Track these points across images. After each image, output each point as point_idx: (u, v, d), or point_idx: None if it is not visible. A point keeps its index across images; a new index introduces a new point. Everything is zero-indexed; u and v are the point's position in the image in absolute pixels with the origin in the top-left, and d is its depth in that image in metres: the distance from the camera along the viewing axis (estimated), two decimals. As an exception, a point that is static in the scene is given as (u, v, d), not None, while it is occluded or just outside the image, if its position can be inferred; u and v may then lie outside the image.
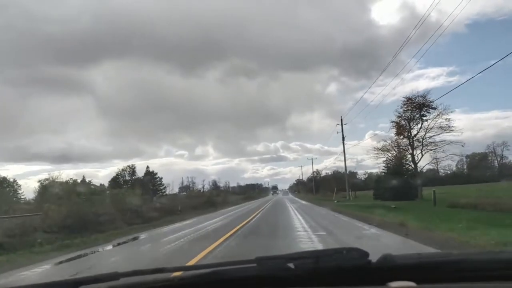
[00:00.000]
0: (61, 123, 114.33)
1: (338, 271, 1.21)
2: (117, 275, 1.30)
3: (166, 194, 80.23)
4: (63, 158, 78.86)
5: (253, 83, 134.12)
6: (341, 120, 47.92)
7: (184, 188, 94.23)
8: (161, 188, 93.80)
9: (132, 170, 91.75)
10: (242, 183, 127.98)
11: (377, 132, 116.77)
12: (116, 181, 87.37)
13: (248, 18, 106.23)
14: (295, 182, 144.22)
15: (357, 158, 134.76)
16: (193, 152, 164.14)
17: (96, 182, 73.66)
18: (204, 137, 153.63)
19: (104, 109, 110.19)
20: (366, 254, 1.23)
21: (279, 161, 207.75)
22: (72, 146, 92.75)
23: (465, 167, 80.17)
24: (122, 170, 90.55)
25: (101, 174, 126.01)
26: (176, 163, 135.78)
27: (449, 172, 69.66)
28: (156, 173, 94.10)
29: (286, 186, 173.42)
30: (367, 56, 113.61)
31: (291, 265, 1.22)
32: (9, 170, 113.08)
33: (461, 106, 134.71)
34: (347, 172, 53.72)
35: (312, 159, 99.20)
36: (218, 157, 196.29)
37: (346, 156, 47.98)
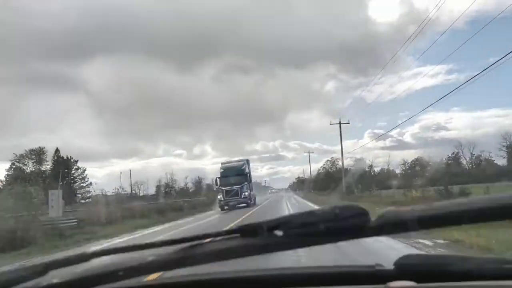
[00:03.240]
0: (55, 122, 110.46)
1: (330, 230, 1.03)
2: (87, 256, 1.15)
3: (90, 195, 56.19)
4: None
5: (250, 81, 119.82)
6: None
7: (162, 187, 78.45)
8: (84, 185, 60.84)
9: (38, 156, 58.49)
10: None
11: (375, 131, 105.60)
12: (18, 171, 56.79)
13: (243, 14, 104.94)
14: (295, 180, 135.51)
15: (356, 156, 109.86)
16: (191, 152, 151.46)
17: (94, 181, 69.77)
18: (202, 136, 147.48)
19: (99, 107, 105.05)
20: (363, 212, 1.03)
21: (278, 160, 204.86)
22: (68, 145, 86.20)
23: None
24: (21, 156, 57.30)
25: (99, 173, 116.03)
26: (175, 162, 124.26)
27: None
28: (76, 161, 61.27)
29: (286, 185, 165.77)
30: (365, 53, 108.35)
31: (278, 232, 1.06)
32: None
33: (460, 104, 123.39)
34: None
35: (339, 123, 46.40)
36: (217, 156, 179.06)
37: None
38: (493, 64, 15.07)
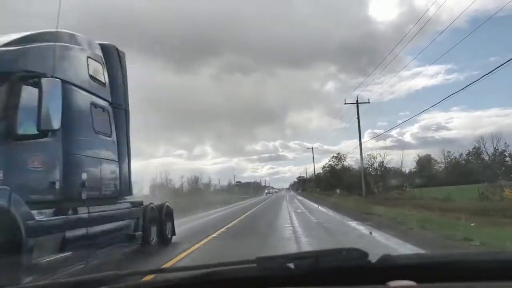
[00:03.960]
0: None
1: (337, 271, 1.21)
2: (117, 277, 1.32)
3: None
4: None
5: (250, 81, 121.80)
6: None
7: (155, 187, 72.20)
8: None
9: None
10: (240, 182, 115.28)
11: (376, 130, 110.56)
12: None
13: (243, 14, 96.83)
14: (296, 180, 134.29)
15: (357, 157, 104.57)
16: (191, 152, 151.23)
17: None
18: (202, 136, 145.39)
19: None
20: (365, 255, 1.20)
21: (278, 160, 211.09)
22: None
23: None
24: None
25: None
26: (175, 163, 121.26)
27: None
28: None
29: (286, 185, 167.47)
30: (365, 53, 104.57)
31: (291, 265, 1.20)
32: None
33: (460, 104, 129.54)
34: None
35: (357, 102, 32.36)
36: (217, 156, 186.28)
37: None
38: (498, 67, 14.32)
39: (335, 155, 74.64)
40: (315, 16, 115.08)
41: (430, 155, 73.13)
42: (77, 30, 7.12)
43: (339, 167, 71.58)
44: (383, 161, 70.24)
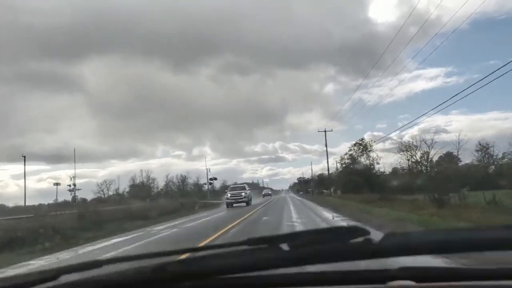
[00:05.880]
0: (53, 122, 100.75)
1: (336, 251, 1.09)
2: (100, 263, 1.21)
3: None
4: (59, 158, 42.03)
5: (249, 82, 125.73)
6: None
7: (135, 187, 71.85)
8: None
9: None
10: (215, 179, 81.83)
11: (375, 133, 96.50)
12: None
13: (242, 13, 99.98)
14: (296, 181, 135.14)
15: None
16: (190, 153, 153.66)
17: (94, 181, 41.24)
18: (201, 137, 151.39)
19: (96, 108, 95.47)
20: (367, 232, 1.08)
21: (277, 162, 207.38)
22: (68, 146, 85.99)
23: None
24: None
25: (100, 174, 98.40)
26: (174, 163, 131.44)
27: None
28: None
29: (286, 186, 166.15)
30: (365, 55, 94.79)
31: (284, 246, 1.08)
32: (8, 170, 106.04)
33: (459, 107, 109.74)
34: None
35: None
36: (216, 157, 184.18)
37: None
38: (498, 69, 15.56)
39: (358, 141, 52.33)
40: (315, 17, 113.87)
41: (452, 153, 53.25)
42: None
43: (366, 160, 49.74)
44: (429, 152, 47.94)
